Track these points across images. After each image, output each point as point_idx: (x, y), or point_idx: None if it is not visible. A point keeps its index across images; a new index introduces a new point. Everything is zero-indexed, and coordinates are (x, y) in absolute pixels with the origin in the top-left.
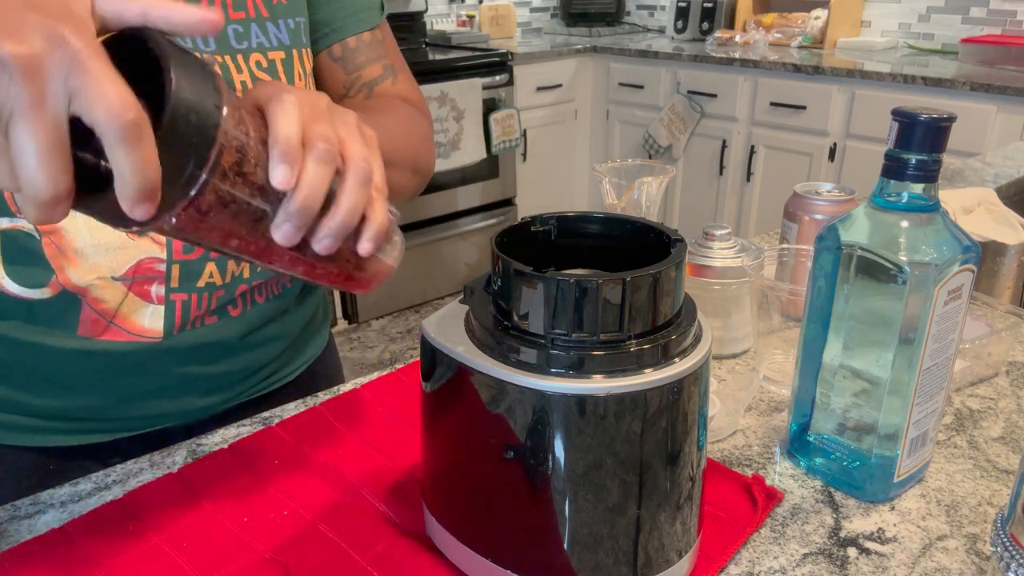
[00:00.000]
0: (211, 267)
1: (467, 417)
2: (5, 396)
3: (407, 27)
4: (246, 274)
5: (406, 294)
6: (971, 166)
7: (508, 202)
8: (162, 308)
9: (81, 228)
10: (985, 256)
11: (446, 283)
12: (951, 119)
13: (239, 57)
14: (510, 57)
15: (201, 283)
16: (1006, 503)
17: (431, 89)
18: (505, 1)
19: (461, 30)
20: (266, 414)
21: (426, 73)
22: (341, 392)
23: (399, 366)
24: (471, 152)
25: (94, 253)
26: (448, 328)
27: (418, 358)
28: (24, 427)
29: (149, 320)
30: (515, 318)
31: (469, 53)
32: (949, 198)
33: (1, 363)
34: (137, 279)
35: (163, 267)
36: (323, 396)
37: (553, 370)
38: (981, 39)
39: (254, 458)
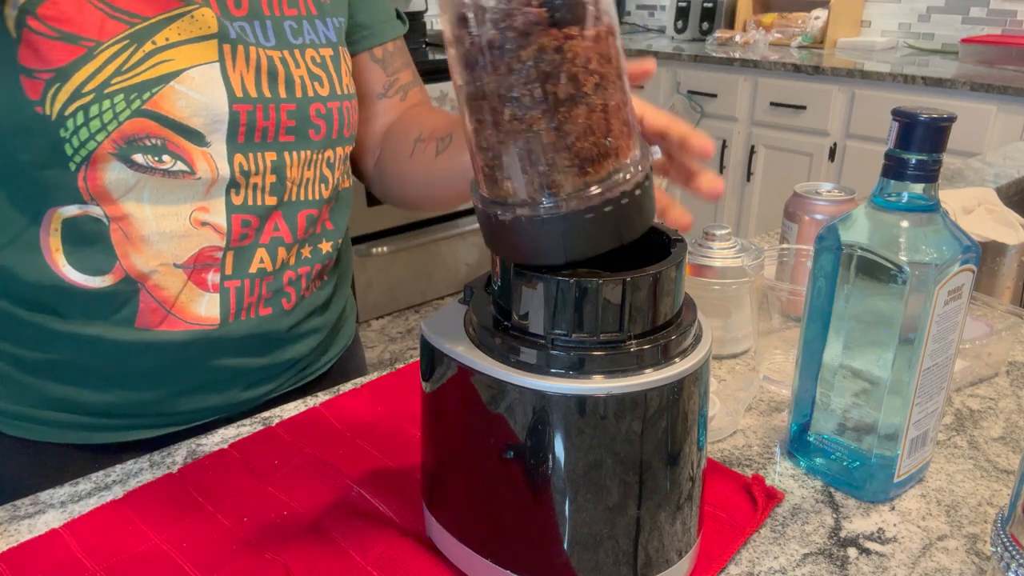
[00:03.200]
0: (261, 252)
1: (467, 417)
2: (58, 394)
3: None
4: (291, 262)
5: (406, 294)
6: (971, 166)
7: None
8: (217, 296)
9: (148, 216)
10: (985, 256)
11: (446, 283)
12: (951, 119)
13: (296, 52)
14: None
15: (253, 269)
16: (1006, 503)
17: (431, 89)
18: None
19: None
20: (266, 414)
21: (426, 73)
22: (341, 392)
23: (399, 366)
24: None
25: (159, 240)
26: (448, 328)
27: (418, 358)
28: (74, 424)
29: (206, 308)
30: (515, 318)
31: None
32: (949, 198)
33: (58, 361)
34: (197, 267)
35: (220, 254)
36: (323, 396)
37: (553, 370)
38: (981, 39)
39: (254, 458)
